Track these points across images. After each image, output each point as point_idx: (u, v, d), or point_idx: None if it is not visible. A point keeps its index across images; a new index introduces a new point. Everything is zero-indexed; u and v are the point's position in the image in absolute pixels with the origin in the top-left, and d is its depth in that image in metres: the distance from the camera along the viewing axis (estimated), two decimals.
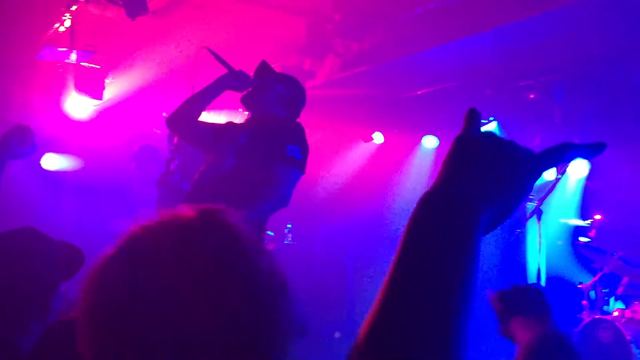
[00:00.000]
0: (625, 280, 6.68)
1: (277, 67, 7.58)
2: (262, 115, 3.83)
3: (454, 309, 0.80)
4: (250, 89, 3.86)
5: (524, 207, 6.65)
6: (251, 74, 3.92)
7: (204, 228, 0.99)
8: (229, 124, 3.90)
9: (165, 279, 0.93)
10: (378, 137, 8.59)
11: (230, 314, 0.94)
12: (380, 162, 8.60)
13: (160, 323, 0.91)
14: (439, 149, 8.36)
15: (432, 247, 0.83)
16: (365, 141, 8.66)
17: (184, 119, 3.75)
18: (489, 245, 7.05)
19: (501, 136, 0.93)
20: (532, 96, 6.94)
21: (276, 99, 3.86)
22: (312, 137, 7.48)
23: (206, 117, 3.91)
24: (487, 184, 0.88)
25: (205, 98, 3.78)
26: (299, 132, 3.73)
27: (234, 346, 0.93)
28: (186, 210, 1.02)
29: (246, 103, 3.89)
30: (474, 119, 0.95)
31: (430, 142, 8.42)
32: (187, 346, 0.91)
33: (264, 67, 3.98)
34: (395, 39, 6.28)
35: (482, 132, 0.94)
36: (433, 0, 5.73)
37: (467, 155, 0.91)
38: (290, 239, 7.77)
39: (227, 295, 0.94)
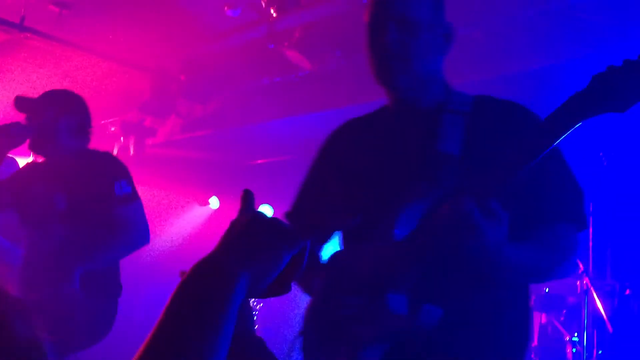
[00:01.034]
0: None
1: (117, 121, 7.47)
2: (61, 157, 3.40)
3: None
4: (34, 134, 3.38)
5: None
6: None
7: None
8: (25, 183, 3.46)
9: None
10: (214, 202, 8.55)
11: None
12: (214, 227, 8.52)
13: None
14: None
15: (193, 303, 0.97)
16: (201, 205, 8.58)
17: None
18: None
19: (266, 216, 1.11)
20: None
21: (66, 132, 3.41)
22: (147, 194, 7.31)
23: None
24: (246, 254, 1.03)
25: None
26: (112, 162, 3.43)
27: None
28: None
29: (37, 149, 3.45)
30: (248, 200, 1.15)
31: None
32: None
33: (32, 104, 3.42)
34: (239, 106, 6.35)
35: (253, 212, 1.12)
36: (280, 73, 5.89)
37: (235, 231, 1.07)
38: None
39: None
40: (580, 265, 5.23)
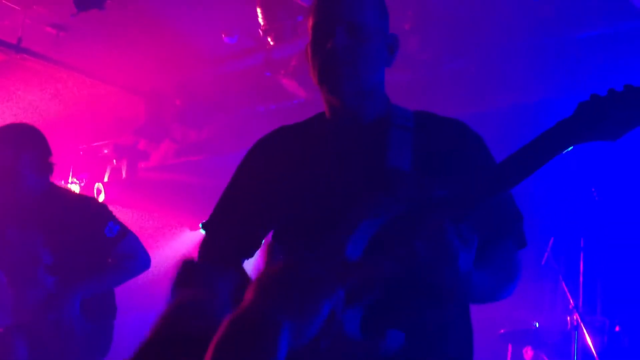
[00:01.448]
0: None
1: (110, 144, 7.47)
2: (31, 199, 3.25)
3: None
4: None
5: None
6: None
7: None
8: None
9: None
10: None
11: None
12: None
13: None
14: None
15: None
16: (192, 230, 8.54)
17: None
18: None
19: None
20: None
21: (30, 170, 3.21)
22: (139, 218, 7.27)
23: None
24: (288, 301, 1.02)
25: None
26: (93, 208, 3.36)
27: None
28: None
29: (2, 196, 3.24)
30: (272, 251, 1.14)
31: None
32: None
33: None
34: (234, 133, 6.35)
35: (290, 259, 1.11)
36: (275, 101, 5.92)
37: (271, 278, 1.05)
38: None
39: None
40: (571, 301, 5.22)
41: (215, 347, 0.91)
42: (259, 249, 1.94)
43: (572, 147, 1.59)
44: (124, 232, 3.30)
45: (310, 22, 1.88)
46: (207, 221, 2.00)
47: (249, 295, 1.03)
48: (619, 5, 4.07)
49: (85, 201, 3.45)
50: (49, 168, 3.29)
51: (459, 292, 1.64)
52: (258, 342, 0.90)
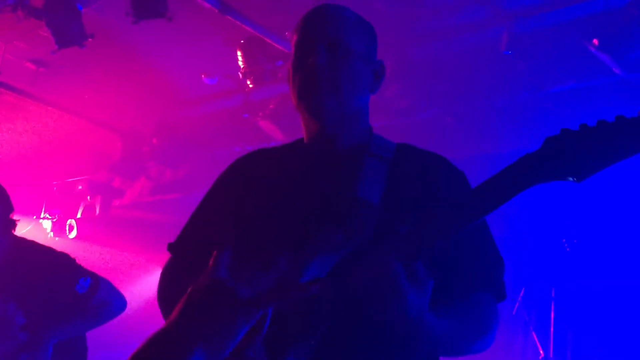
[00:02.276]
0: None
1: (84, 180, 7.42)
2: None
3: None
4: None
5: None
6: None
7: None
8: None
9: None
10: None
11: None
12: None
13: None
14: None
15: None
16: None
17: None
18: None
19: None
20: None
21: None
22: (111, 255, 7.18)
23: None
24: (203, 325, 1.04)
25: None
26: (61, 266, 3.26)
27: None
28: None
29: None
30: (219, 262, 1.12)
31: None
32: None
33: None
34: (210, 172, 6.31)
35: (214, 279, 1.09)
36: (252, 142, 5.94)
37: (193, 300, 1.07)
38: None
39: None
40: (541, 351, 5.24)
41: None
42: None
43: (534, 185, 1.42)
44: (96, 284, 3.25)
45: (293, 40, 1.81)
46: (173, 242, 1.94)
47: (173, 313, 1.08)
48: (589, 62, 4.18)
49: (52, 258, 3.31)
50: (11, 225, 3.20)
51: (409, 336, 1.46)
52: None
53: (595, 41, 3.93)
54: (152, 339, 1.01)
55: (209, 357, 1.02)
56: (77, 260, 3.36)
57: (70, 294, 3.18)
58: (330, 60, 1.72)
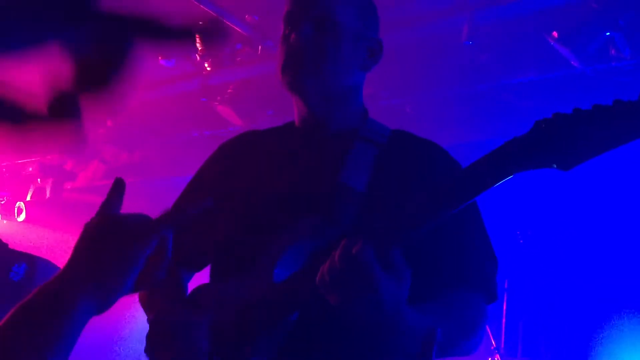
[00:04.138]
0: None
1: (35, 162, 7.23)
2: None
3: None
4: None
5: None
6: None
7: None
8: None
9: None
10: None
11: None
12: None
13: None
14: None
15: (29, 329, 0.97)
16: None
17: None
18: None
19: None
20: None
21: None
22: (61, 240, 7.03)
23: None
24: (90, 270, 1.00)
25: None
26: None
27: None
28: None
29: None
30: (114, 194, 1.12)
31: None
32: None
33: None
34: (167, 157, 6.25)
35: (104, 213, 1.09)
36: (210, 127, 5.86)
37: (82, 242, 1.05)
38: None
39: None
40: (493, 342, 5.29)
41: (13, 313, 0.99)
42: (209, 263, 1.80)
43: (518, 172, 1.31)
44: (32, 268, 3.14)
45: (283, 17, 1.73)
46: None
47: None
48: (549, 55, 4.21)
49: None
50: None
51: (385, 330, 1.37)
52: (50, 319, 0.97)
53: (555, 34, 3.95)
54: (41, 287, 0.99)
55: (101, 296, 0.99)
56: (9, 245, 3.24)
57: (5, 282, 3.08)
58: (314, 37, 1.64)
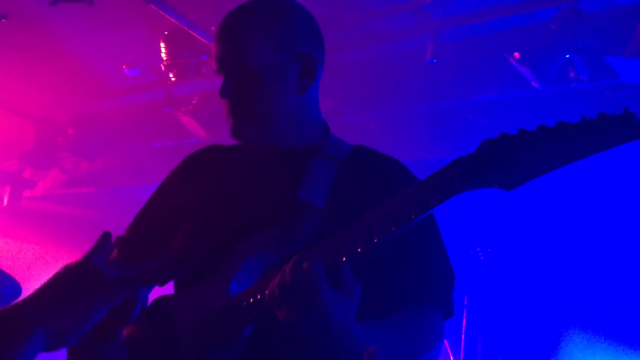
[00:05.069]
0: None
1: None
2: None
3: None
4: None
5: None
6: None
7: None
8: None
9: None
10: None
11: None
12: None
13: None
14: None
15: None
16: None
17: None
18: None
19: None
20: None
21: None
22: (19, 249, 6.89)
23: None
24: (48, 305, 1.04)
25: None
26: None
27: None
28: None
29: None
30: (98, 246, 1.13)
31: None
32: None
33: None
34: (128, 167, 6.18)
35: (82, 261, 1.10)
36: (173, 138, 5.81)
37: (50, 280, 1.07)
38: None
39: None
40: (451, 357, 5.32)
41: None
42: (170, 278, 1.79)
43: (463, 192, 1.30)
44: None
45: None
46: (122, 235, 1.87)
47: None
48: (511, 75, 4.29)
49: None
50: None
51: (333, 350, 1.35)
52: (5, 341, 0.99)
53: (517, 54, 4.03)
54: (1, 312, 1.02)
55: (55, 333, 1.01)
56: None
57: None
58: (235, 87, 1.66)
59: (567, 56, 4.03)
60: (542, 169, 1.23)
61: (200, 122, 5.34)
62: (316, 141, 1.73)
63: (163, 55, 4.84)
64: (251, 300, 1.44)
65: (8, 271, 3.27)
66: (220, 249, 1.59)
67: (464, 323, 5.56)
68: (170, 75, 4.95)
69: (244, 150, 1.81)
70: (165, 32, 4.78)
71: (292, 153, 1.72)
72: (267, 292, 1.35)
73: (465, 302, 5.64)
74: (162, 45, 4.81)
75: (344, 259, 1.34)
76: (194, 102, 5.28)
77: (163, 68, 4.90)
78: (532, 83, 4.21)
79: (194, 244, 1.69)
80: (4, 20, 4.13)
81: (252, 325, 1.47)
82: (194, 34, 4.63)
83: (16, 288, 3.28)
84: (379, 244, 1.34)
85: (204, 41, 4.71)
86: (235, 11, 1.71)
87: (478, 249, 5.66)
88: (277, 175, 1.70)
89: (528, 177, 1.25)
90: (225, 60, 1.67)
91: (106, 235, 1.15)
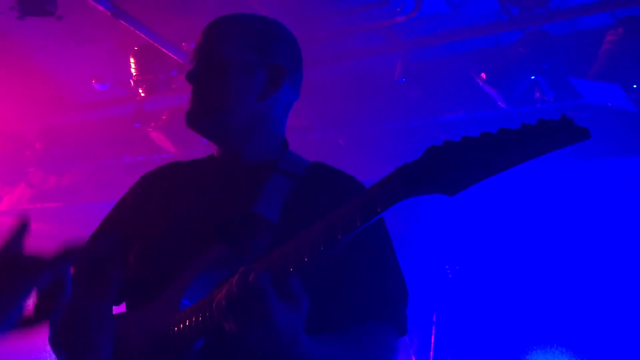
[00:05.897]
0: None
1: None
2: None
3: None
4: None
5: None
6: None
7: None
8: None
9: None
10: None
11: None
12: None
13: None
14: None
15: None
16: None
17: None
18: None
19: None
20: None
21: None
22: None
23: None
24: None
25: None
26: None
27: None
28: None
29: None
30: (16, 233, 1.10)
31: None
32: None
33: None
34: (97, 182, 6.13)
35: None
36: (142, 153, 5.78)
37: None
38: None
39: None
40: None
41: None
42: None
43: (408, 198, 1.31)
44: None
45: None
46: (76, 250, 1.84)
47: None
48: (478, 95, 4.35)
49: None
50: None
51: None
52: None
53: (483, 75, 4.09)
54: None
55: None
56: None
57: None
58: (202, 77, 1.69)
59: (533, 77, 4.11)
60: (484, 174, 1.25)
61: (169, 137, 5.32)
62: (274, 156, 1.75)
63: (133, 70, 4.83)
64: (199, 313, 1.44)
65: None
66: (173, 265, 1.59)
67: (432, 340, 5.58)
68: (140, 91, 4.94)
69: (203, 166, 1.83)
70: (135, 48, 4.77)
71: (248, 168, 1.73)
72: (214, 304, 1.35)
73: (434, 319, 5.66)
74: (131, 60, 4.80)
75: (291, 269, 1.34)
76: (164, 117, 5.26)
77: (132, 83, 4.89)
78: (499, 103, 4.28)
79: (148, 259, 1.69)
80: None
81: (202, 338, 1.47)
82: (163, 49, 4.63)
83: None
84: (327, 253, 1.35)
85: (174, 57, 4.71)
86: (223, 15, 1.79)
87: (447, 267, 5.70)
88: (233, 190, 1.71)
89: (470, 182, 1.26)
90: (201, 48, 1.74)
91: (25, 223, 1.14)
